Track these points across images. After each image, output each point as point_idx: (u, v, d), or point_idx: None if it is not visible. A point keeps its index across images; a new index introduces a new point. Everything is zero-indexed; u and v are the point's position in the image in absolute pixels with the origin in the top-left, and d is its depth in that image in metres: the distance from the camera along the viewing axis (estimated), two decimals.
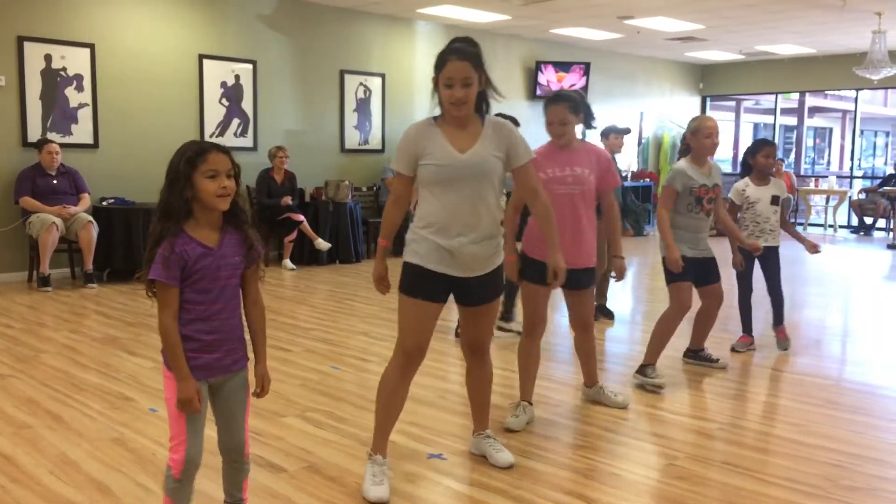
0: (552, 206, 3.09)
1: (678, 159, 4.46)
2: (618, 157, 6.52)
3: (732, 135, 20.15)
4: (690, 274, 4.29)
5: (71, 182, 7.42)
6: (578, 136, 3.74)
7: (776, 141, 16.12)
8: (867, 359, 5.10)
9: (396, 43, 10.29)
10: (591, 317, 3.99)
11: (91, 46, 7.78)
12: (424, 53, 10.50)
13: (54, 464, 3.15)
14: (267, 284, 7.56)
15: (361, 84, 10.03)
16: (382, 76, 10.18)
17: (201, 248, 2.21)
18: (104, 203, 7.72)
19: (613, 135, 6.52)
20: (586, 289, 3.81)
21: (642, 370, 4.35)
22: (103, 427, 3.58)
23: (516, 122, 3.71)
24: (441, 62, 2.81)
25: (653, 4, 9.21)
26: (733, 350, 5.13)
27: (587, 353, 3.99)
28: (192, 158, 2.18)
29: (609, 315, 6.16)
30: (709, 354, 4.75)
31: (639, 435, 3.60)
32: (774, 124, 15.79)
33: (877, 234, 13.44)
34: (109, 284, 7.39)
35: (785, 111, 18.34)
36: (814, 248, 5.19)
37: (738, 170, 5.43)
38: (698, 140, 4.27)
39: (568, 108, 3.61)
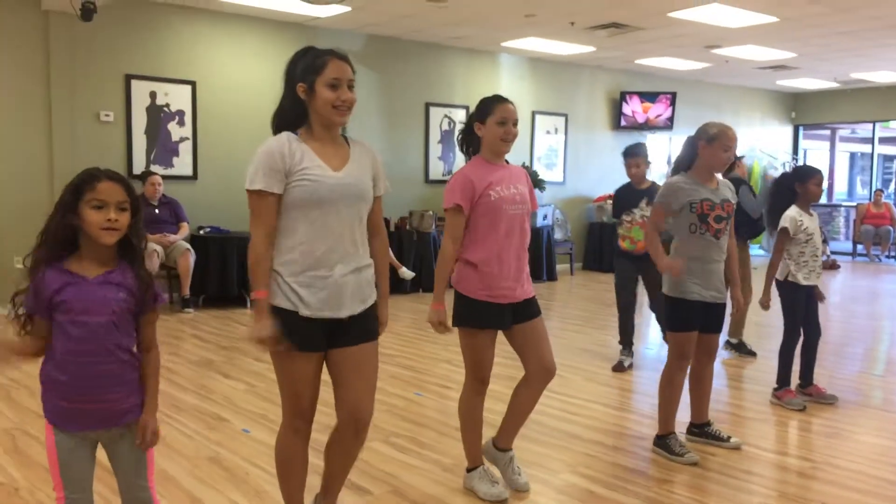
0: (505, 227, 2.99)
1: (673, 169, 3.78)
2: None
3: (827, 165, 19.48)
4: (697, 322, 3.58)
5: (171, 212, 7.80)
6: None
7: (874, 171, 15.50)
8: None
9: (480, 75, 10.44)
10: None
11: (193, 83, 8.21)
12: (508, 85, 10.61)
13: (154, 479, 3.30)
14: None
15: (446, 116, 10.21)
16: (466, 108, 10.34)
17: (68, 275, 2.01)
18: (201, 231, 8.08)
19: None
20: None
21: (663, 443, 3.68)
22: (200, 446, 3.74)
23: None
24: (319, 64, 2.42)
25: (741, 34, 9.07)
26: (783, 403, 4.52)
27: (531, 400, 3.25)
28: (78, 186, 2.00)
29: (750, 352, 5.87)
30: (717, 431, 3.86)
31: (728, 471, 3.51)
32: (872, 154, 15.18)
33: None
34: (205, 309, 7.70)
35: (883, 140, 17.62)
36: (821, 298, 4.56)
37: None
38: (713, 150, 3.56)
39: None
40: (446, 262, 3.07)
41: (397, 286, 8.92)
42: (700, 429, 3.85)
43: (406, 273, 8.75)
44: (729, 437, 3.82)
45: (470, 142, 3.19)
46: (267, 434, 3.85)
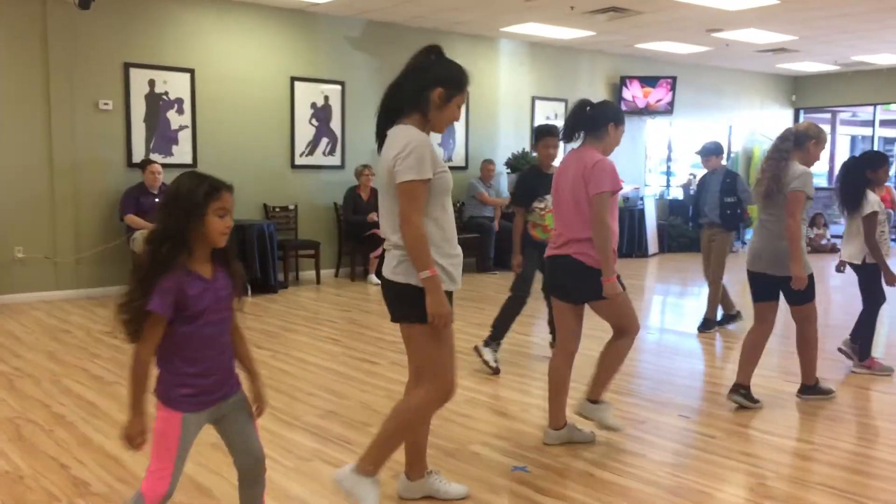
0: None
1: (776, 161, 4.05)
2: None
3: (828, 148, 19.46)
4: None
5: None
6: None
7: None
8: None
9: (481, 61, 10.40)
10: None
11: (191, 72, 8.19)
12: (508, 71, 10.58)
13: None
14: (353, 299, 7.81)
15: None
16: (467, 94, 10.29)
17: (200, 280, 2.19)
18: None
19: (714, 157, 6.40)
20: None
21: (815, 388, 4.30)
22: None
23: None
24: (462, 84, 2.82)
25: (742, 17, 9.03)
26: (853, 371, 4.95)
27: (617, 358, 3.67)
28: (209, 193, 2.16)
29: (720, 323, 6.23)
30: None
31: (729, 454, 3.53)
32: (873, 136, 15.14)
33: None
34: None
35: (885, 123, 17.56)
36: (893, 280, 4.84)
37: (833, 183, 5.35)
38: (817, 149, 4.15)
39: None
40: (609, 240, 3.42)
41: None
42: (813, 387, 4.34)
43: None
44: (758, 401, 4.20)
45: (581, 128, 3.54)
46: (267, 419, 3.86)
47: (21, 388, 4.51)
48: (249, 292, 2.32)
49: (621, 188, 3.51)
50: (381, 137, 2.83)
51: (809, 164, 4.10)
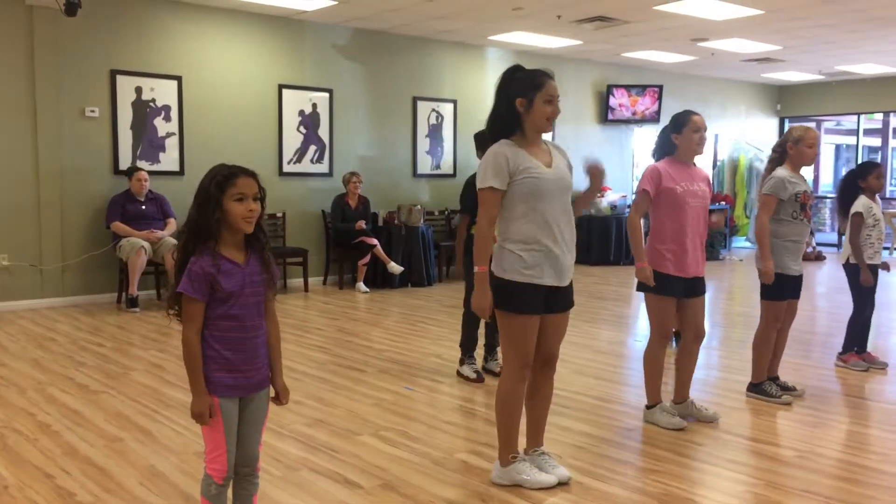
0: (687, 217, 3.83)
1: (768, 169, 4.48)
2: None
3: None
4: (788, 292, 4.41)
5: (158, 207, 7.77)
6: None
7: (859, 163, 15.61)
8: None
9: (468, 69, 10.45)
10: (703, 325, 4.10)
11: (178, 79, 8.17)
12: (495, 79, 10.59)
13: (144, 475, 3.31)
14: (341, 307, 7.80)
15: (434, 110, 10.20)
16: (454, 102, 10.33)
17: (231, 263, 2.29)
18: (183, 230, 8.02)
19: None
20: (703, 295, 4.04)
21: (757, 388, 4.49)
22: (189, 441, 3.74)
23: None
24: (539, 82, 3.05)
25: (727, 26, 9.11)
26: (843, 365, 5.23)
27: (691, 362, 4.12)
28: (221, 182, 2.27)
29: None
30: (784, 383, 4.61)
31: (714, 461, 3.55)
32: (857, 146, 15.28)
33: None
34: None
35: (868, 132, 17.72)
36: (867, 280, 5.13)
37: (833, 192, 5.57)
38: (800, 149, 4.33)
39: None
40: (637, 230, 3.92)
41: (386, 280, 8.93)
42: (774, 381, 4.57)
43: (395, 268, 8.76)
44: (794, 388, 4.58)
45: (665, 148, 3.97)
46: None
47: (5, 397, 4.48)
48: (276, 280, 2.45)
49: (649, 189, 3.91)
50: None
51: (800, 164, 4.38)
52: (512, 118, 3.07)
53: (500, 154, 3.01)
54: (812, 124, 19.02)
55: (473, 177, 5.01)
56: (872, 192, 5.11)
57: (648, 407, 4.06)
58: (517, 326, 3.09)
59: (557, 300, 3.14)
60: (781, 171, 4.35)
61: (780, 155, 4.42)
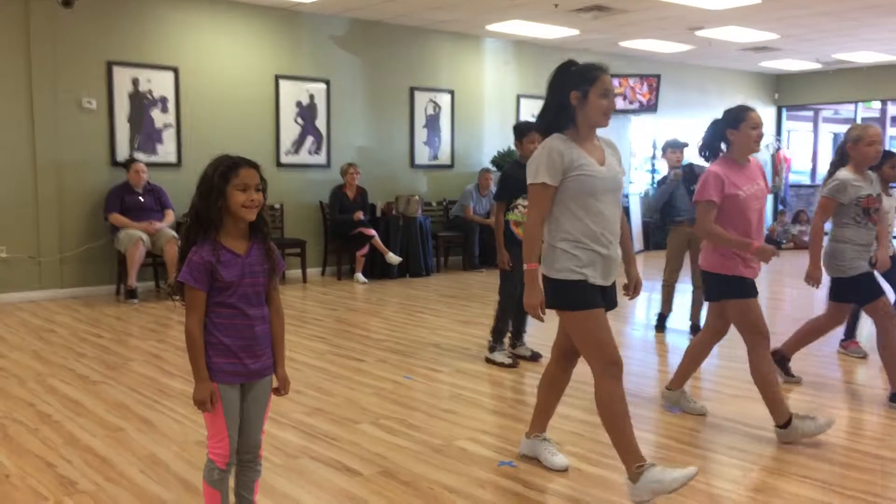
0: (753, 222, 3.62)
1: (829, 172, 4.37)
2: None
3: (811, 146, 19.62)
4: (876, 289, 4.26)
5: (156, 199, 7.77)
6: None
7: None
8: None
9: (465, 60, 10.43)
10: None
11: (175, 70, 8.16)
12: (493, 69, 10.60)
13: (145, 464, 3.33)
14: (339, 297, 7.81)
15: (431, 101, 10.19)
16: (451, 93, 10.32)
17: (230, 253, 2.33)
18: (187, 219, 8.03)
19: (670, 150, 6.32)
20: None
21: None
22: (189, 430, 3.76)
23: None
24: (593, 76, 2.95)
25: (724, 15, 9.10)
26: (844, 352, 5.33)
27: (704, 356, 4.10)
28: (225, 172, 2.31)
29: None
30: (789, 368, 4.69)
31: (713, 447, 3.57)
32: None
33: None
34: None
35: (866, 121, 17.74)
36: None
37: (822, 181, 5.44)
38: (860, 149, 4.18)
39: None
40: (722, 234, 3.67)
41: (384, 271, 8.94)
42: (783, 364, 4.61)
43: (392, 258, 8.77)
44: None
45: (717, 143, 3.77)
46: None
47: (6, 388, 4.49)
48: (280, 270, 2.48)
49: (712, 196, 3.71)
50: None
51: (864, 165, 4.24)
52: (565, 112, 2.97)
53: (554, 150, 2.90)
54: (810, 113, 19.03)
55: (511, 166, 5.09)
56: (886, 182, 5.02)
57: (782, 427, 3.63)
58: (589, 322, 2.94)
59: (603, 299, 3.01)
60: (844, 173, 4.20)
61: (841, 157, 4.29)
